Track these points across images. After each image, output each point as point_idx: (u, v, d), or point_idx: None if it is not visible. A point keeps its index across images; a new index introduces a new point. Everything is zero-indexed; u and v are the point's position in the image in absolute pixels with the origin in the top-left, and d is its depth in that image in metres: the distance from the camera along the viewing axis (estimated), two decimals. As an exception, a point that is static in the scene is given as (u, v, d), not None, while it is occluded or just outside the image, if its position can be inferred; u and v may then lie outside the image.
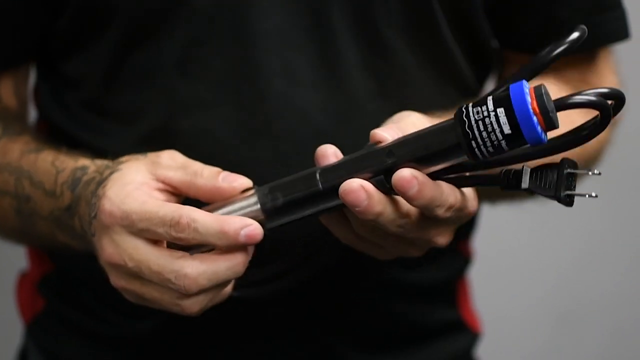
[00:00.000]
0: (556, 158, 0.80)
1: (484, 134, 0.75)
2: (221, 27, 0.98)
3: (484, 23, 1.06)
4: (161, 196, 0.87)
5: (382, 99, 1.01)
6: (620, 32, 1.08)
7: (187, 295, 0.84)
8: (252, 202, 0.84)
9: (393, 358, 1.12)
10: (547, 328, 1.98)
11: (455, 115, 0.77)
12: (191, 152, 0.91)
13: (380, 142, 0.83)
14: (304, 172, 0.84)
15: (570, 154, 1.02)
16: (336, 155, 0.85)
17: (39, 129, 1.11)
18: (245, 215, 0.84)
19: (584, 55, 1.10)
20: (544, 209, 1.09)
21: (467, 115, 0.76)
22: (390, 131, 0.84)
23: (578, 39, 0.77)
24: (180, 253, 0.84)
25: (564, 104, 0.75)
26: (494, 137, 0.75)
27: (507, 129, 0.74)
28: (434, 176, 0.81)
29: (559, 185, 0.77)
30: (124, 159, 0.90)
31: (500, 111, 0.74)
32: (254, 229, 0.82)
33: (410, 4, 1.01)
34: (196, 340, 1.07)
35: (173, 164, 0.88)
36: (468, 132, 0.76)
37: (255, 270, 0.93)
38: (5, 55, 1.06)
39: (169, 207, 0.84)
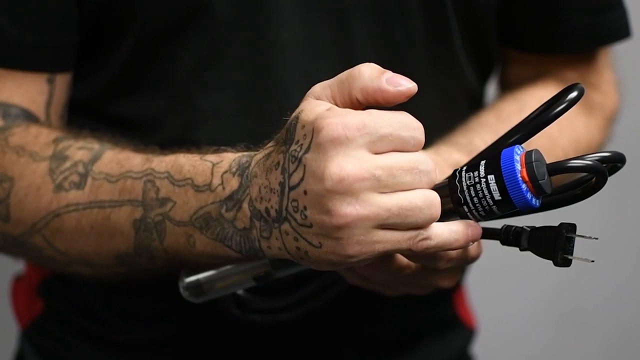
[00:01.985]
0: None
1: (475, 199, 0.77)
2: (240, 37, 0.97)
3: (491, 27, 1.07)
4: None
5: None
6: (621, 32, 1.09)
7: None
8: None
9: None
10: (547, 329, 1.98)
11: (449, 178, 0.78)
12: None
13: None
14: None
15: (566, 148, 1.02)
16: None
17: None
18: (253, 264, 0.86)
19: (584, 55, 1.10)
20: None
21: (460, 181, 0.77)
22: None
23: (577, 97, 0.77)
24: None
25: (559, 168, 0.77)
26: (485, 203, 0.76)
27: (497, 196, 0.76)
28: None
29: (557, 249, 0.79)
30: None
31: (491, 178, 0.76)
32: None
33: (428, 16, 1.01)
34: (203, 352, 1.07)
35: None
36: (460, 198, 0.77)
37: (287, 297, 0.97)
38: (57, 56, 0.98)
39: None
